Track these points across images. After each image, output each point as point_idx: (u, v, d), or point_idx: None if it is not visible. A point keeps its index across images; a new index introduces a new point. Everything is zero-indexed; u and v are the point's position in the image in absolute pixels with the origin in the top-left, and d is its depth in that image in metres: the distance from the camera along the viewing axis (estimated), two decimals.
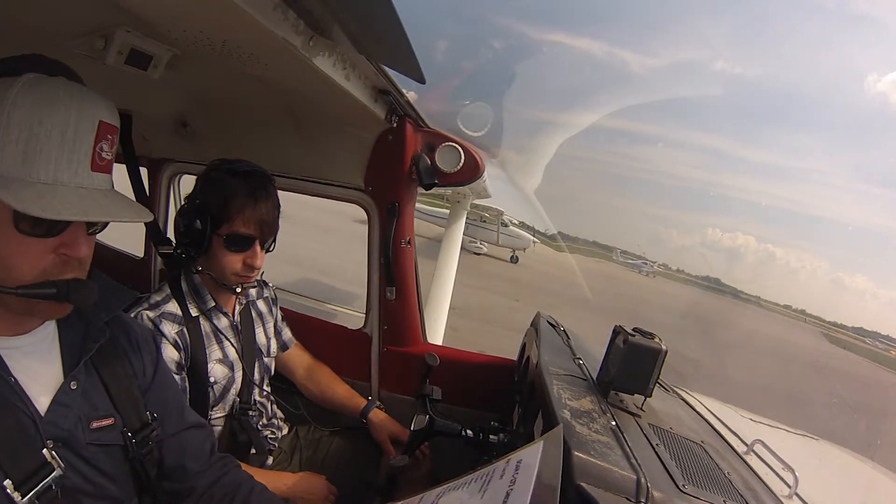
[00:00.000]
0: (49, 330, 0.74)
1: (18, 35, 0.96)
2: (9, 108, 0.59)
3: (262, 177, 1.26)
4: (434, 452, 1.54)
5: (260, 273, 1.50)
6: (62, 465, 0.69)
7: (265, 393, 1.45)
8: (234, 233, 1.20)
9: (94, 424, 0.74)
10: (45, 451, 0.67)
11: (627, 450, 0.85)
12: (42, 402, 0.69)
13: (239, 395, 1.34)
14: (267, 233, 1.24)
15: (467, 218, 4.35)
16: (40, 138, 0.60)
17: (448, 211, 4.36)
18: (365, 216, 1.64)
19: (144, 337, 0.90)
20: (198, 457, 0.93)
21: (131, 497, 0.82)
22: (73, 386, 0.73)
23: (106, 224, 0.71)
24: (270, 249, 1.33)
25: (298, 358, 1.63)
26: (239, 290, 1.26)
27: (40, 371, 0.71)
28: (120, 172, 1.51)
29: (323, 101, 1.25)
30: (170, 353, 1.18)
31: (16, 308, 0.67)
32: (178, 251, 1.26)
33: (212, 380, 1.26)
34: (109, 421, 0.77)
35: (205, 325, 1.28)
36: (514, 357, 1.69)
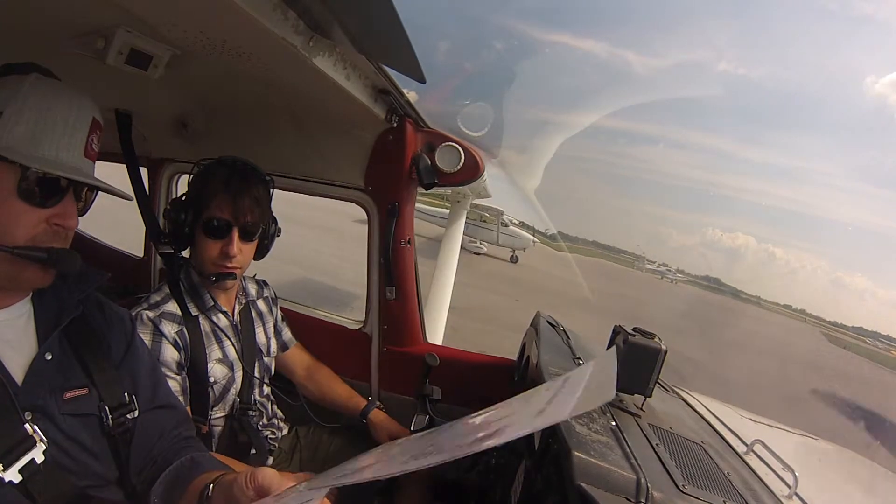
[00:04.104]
0: (25, 308, 0.77)
1: (19, 35, 0.96)
2: (23, 95, 0.69)
3: (245, 167, 1.26)
4: None
5: (253, 272, 1.50)
6: (44, 439, 0.70)
7: (265, 393, 1.45)
8: (209, 217, 1.20)
9: (68, 395, 0.76)
10: (26, 425, 0.69)
11: (627, 450, 0.85)
12: (18, 374, 0.72)
13: (239, 395, 1.34)
14: (243, 220, 1.22)
15: (467, 218, 4.35)
16: (47, 122, 0.70)
17: (448, 211, 4.35)
18: (365, 216, 1.64)
19: (119, 315, 0.91)
20: (166, 442, 0.90)
21: (115, 478, 0.82)
22: (48, 356, 0.75)
23: (85, 210, 0.78)
24: (265, 247, 1.33)
25: (298, 358, 1.63)
26: (214, 279, 1.24)
27: (16, 344, 0.74)
28: (120, 172, 1.52)
29: (323, 100, 1.25)
30: (170, 353, 1.18)
31: (1, 274, 0.71)
32: (165, 240, 1.27)
33: (212, 380, 1.26)
34: (83, 391, 0.78)
35: (204, 325, 1.28)
36: (514, 357, 1.69)
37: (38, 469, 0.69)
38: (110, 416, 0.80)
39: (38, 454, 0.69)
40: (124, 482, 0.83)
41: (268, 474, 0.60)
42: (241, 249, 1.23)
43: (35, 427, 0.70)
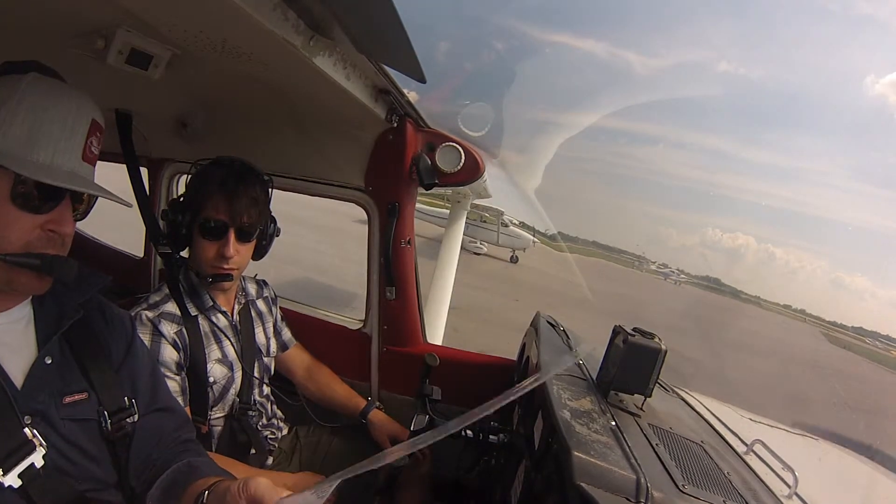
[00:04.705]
0: (25, 311, 0.76)
1: (19, 34, 0.96)
2: (19, 95, 0.67)
3: (242, 167, 1.25)
4: (434, 452, 1.54)
5: (252, 273, 1.50)
6: (44, 443, 0.70)
7: (265, 393, 1.45)
8: (206, 218, 1.20)
9: (67, 399, 0.76)
10: (26, 429, 0.69)
11: (627, 450, 0.85)
12: (17, 378, 0.71)
13: (239, 395, 1.34)
14: (240, 221, 1.21)
15: (467, 218, 4.34)
16: (44, 124, 0.67)
17: (448, 211, 4.35)
18: (365, 216, 1.64)
19: (120, 317, 0.91)
20: (165, 445, 0.89)
21: (114, 481, 0.82)
22: (48, 361, 0.75)
23: (86, 213, 0.76)
24: (263, 248, 1.33)
25: (298, 358, 1.63)
26: (210, 280, 1.24)
27: (16, 348, 0.73)
28: (120, 172, 1.52)
29: (323, 100, 1.25)
30: (169, 354, 1.18)
31: None
32: (163, 241, 1.27)
33: (211, 380, 1.26)
34: (83, 395, 0.78)
35: (204, 325, 1.28)
36: (514, 357, 1.68)
37: (37, 473, 0.69)
38: (109, 421, 0.80)
39: (37, 458, 0.69)
40: (124, 485, 0.83)
41: (261, 484, 0.60)
42: (237, 250, 1.23)
43: (35, 431, 0.70)
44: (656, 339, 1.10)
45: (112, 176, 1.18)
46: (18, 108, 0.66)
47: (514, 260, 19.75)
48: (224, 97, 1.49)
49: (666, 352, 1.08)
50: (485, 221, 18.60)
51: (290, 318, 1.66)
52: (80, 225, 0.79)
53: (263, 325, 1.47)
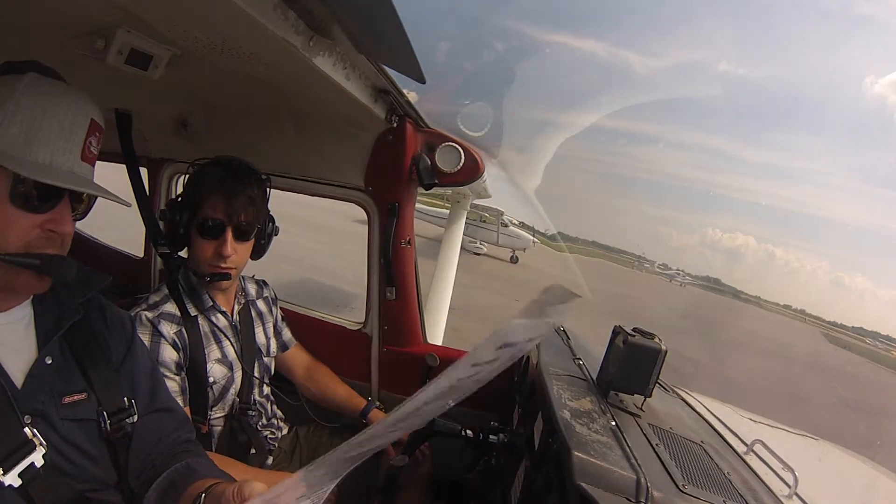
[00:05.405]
0: (26, 311, 0.77)
1: (19, 35, 0.96)
2: (17, 96, 0.67)
3: (239, 167, 1.26)
4: (434, 452, 1.54)
5: (252, 273, 1.50)
6: (43, 443, 0.70)
7: (265, 393, 1.45)
8: (203, 218, 1.21)
9: (66, 400, 0.76)
10: (26, 429, 0.69)
11: (627, 450, 0.85)
12: (18, 378, 0.71)
13: (238, 395, 1.34)
14: (237, 220, 1.21)
15: (467, 218, 4.35)
16: (42, 124, 0.67)
17: (448, 211, 4.35)
18: (365, 216, 1.64)
19: (120, 318, 0.91)
20: (164, 445, 0.88)
21: (113, 481, 0.82)
22: (48, 361, 0.75)
23: (86, 213, 0.76)
24: (261, 247, 1.33)
25: (298, 358, 1.63)
26: (209, 279, 1.25)
27: (16, 348, 0.73)
28: (120, 172, 1.52)
29: (323, 101, 1.25)
30: (168, 354, 1.18)
31: None
32: (161, 241, 1.27)
33: (211, 380, 1.26)
34: (82, 396, 0.78)
35: (203, 325, 1.28)
36: None
37: (37, 473, 0.69)
38: (109, 421, 0.80)
39: (37, 458, 0.69)
40: (123, 486, 0.83)
41: (255, 489, 0.59)
42: (235, 249, 1.23)
43: (35, 431, 0.70)
44: (656, 340, 1.10)
45: (112, 176, 1.18)
46: (17, 108, 0.66)
47: (514, 260, 19.76)
48: (224, 97, 1.49)
49: (666, 352, 1.08)
50: (485, 221, 18.60)
51: (291, 318, 1.66)
52: (80, 225, 0.80)
53: (263, 325, 1.47)
